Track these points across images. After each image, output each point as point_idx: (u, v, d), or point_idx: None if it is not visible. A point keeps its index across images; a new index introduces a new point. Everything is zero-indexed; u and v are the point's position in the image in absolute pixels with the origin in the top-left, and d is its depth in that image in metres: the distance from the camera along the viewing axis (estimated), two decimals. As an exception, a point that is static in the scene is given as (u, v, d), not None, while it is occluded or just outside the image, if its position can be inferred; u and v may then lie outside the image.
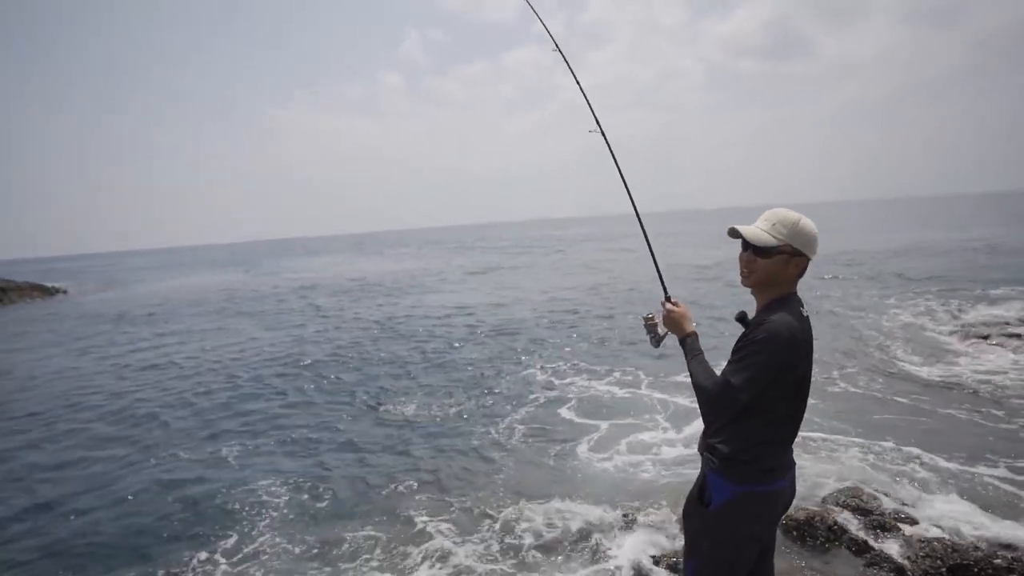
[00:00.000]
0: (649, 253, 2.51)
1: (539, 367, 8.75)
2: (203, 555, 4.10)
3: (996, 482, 4.27)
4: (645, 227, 2.72)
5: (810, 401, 1.91)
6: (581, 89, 2.90)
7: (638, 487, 4.69)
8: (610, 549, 3.73)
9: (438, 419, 6.74)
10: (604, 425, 6.16)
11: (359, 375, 8.97)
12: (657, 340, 2.15)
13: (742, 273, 1.90)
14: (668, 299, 2.13)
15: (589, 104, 2.80)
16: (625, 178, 2.68)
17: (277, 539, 4.25)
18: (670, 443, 5.51)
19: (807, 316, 1.83)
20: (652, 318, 2.18)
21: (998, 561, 3.06)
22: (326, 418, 7.01)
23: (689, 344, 1.97)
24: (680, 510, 2.13)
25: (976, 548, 3.26)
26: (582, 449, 5.59)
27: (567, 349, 9.94)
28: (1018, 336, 8.38)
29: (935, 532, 3.58)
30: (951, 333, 9.12)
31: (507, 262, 32.30)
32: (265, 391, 8.29)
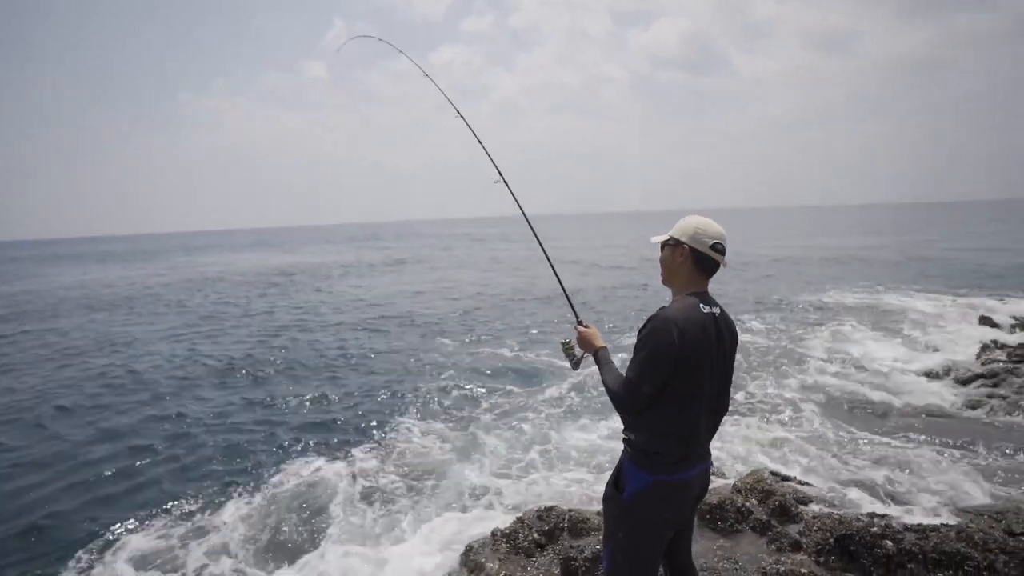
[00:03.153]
0: (560, 285, 2.67)
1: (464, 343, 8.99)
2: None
3: (871, 461, 4.85)
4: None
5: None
6: (484, 149, 3.02)
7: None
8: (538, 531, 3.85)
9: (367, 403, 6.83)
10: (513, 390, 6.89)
11: (280, 365, 8.83)
12: (576, 362, 2.31)
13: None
14: (579, 322, 2.30)
15: (492, 160, 2.94)
16: (531, 223, 2.86)
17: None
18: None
19: (714, 313, 1.97)
20: (569, 342, 2.33)
21: (875, 529, 3.48)
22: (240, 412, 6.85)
23: (600, 356, 2.14)
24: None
25: (858, 519, 3.69)
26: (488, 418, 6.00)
27: (491, 331, 10.22)
28: (899, 332, 9.45)
29: (825, 508, 4.03)
30: (841, 325, 10.14)
31: (430, 256, 32.45)
32: (157, 393, 7.86)
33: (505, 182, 2.89)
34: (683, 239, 2.01)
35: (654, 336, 1.88)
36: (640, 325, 1.96)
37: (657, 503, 1.99)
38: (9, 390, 8.20)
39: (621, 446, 2.09)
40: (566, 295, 2.64)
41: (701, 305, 1.95)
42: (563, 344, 2.35)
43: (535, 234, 2.85)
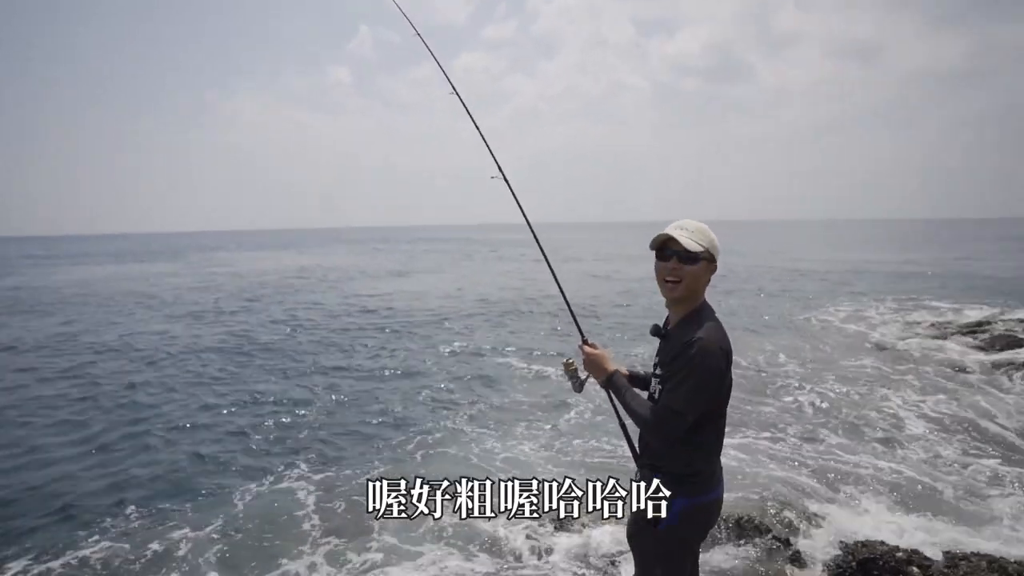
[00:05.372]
0: (564, 301, 2.47)
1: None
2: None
3: (903, 478, 4.69)
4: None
5: (742, 404, 2.03)
6: (480, 134, 2.80)
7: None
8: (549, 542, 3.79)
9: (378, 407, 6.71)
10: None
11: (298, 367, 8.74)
12: (579, 384, 2.12)
13: (667, 283, 1.86)
14: (585, 342, 2.10)
15: (489, 148, 2.73)
16: (530, 221, 2.65)
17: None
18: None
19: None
20: (572, 363, 2.14)
21: (900, 554, 3.35)
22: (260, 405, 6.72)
23: (615, 382, 1.95)
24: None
25: (882, 543, 3.56)
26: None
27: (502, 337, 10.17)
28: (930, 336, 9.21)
29: (848, 528, 3.90)
30: (868, 332, 9.92)
31: (442, 262, 32.57)
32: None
33: (505, 178, 2.66)
34: (717, 257, 1.86)
35: (704, 365, 1.73)
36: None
37: (696, 527, 1.91)
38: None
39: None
40: (571, 312, 2.43)
41: (715, 314, 1.88)
42: (565, 364, 2.15)
43: (537, 240, 2.60)
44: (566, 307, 2.45)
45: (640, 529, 1.91)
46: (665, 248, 1.85)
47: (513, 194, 2.66)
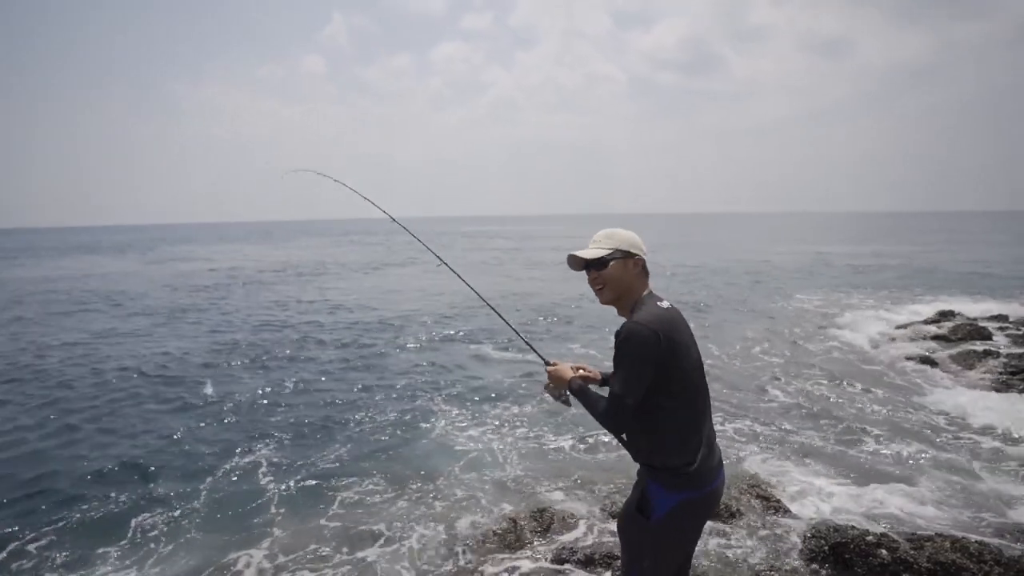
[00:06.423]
0: (519, 336, 2.74)
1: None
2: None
3: (873, 466, 4.84)
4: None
5: (715, 393, 2.07)
6: (422, 242, 3.27)
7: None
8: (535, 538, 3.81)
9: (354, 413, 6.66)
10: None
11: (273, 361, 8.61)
12: (565, 400, 2.21)
13: (597, 293, 2.02)
14: (547, 363, 2.20)
15: (430, 248, 3.21)
16: (476, 289, 3.00)
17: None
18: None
19: (671, 307, 1.95)
20: (549, 385, 2.24)
21: (870, 538, 3.46)
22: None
23: (575, 387, 2.03)
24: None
25: (853, 528, 3.67)
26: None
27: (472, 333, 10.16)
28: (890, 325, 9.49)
29: (821, 513, 4.03)
30: (833, 323, 10.18)
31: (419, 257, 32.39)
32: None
33: (449, 267, 3.02)
34: (632, 250, 1.96)
35: (631, 343, 1.79)
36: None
37: (687, 521, 1.92)
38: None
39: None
40: (526, 342, 2.61)
41: (659, 302, 1.94)
42: (545, 387, 2.26)
43: (483, 298, 2.92)
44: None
45: (631, 520, 1.95)
46: (587, 266, 2.01)
47: (460, 277, 2.96)
